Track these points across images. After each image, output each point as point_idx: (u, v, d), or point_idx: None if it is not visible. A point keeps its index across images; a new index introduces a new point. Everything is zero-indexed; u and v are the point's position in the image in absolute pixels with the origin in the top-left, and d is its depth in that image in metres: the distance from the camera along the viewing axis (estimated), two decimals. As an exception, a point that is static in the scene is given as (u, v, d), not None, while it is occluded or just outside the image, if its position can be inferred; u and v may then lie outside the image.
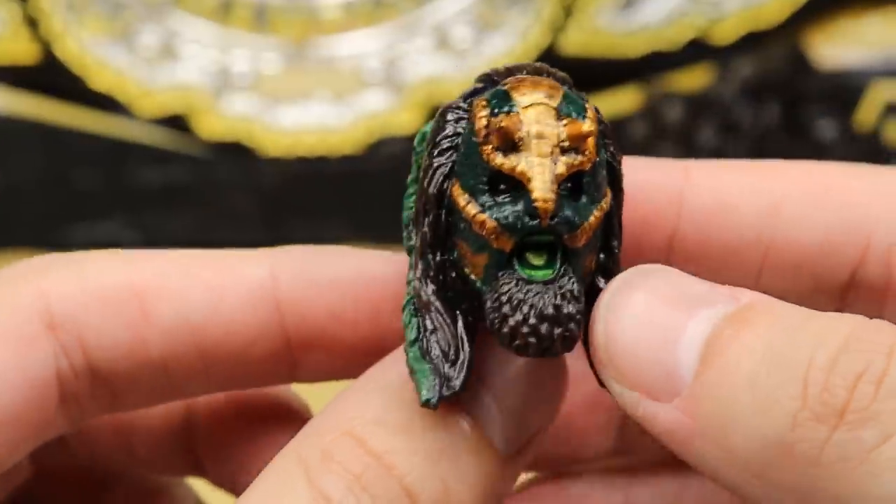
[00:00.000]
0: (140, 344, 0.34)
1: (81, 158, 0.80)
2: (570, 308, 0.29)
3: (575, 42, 0.80)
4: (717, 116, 0.79)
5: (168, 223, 0.80)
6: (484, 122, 0.30)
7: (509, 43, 0.79)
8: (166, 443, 0.40)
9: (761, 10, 0.80)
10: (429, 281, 0.31)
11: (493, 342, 0.31)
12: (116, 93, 0.79)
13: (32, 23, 0.79)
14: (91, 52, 0.79)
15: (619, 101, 0.80)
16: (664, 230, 0.35)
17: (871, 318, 0.28)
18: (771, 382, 0.27)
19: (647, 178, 0.34)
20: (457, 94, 0.32)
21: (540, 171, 0.29)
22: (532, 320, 0.29)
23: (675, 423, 0.28)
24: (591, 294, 0.30)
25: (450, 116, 0.31)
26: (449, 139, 0.31)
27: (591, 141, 0.30)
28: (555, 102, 0.30)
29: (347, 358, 0.36)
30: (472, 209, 0.30)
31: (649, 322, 0.29)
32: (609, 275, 0.31)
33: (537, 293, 0.29)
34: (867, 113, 0.79)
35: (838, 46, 0.81)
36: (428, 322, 0.30)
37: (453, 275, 0.31)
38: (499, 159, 0.29)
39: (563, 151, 0.29)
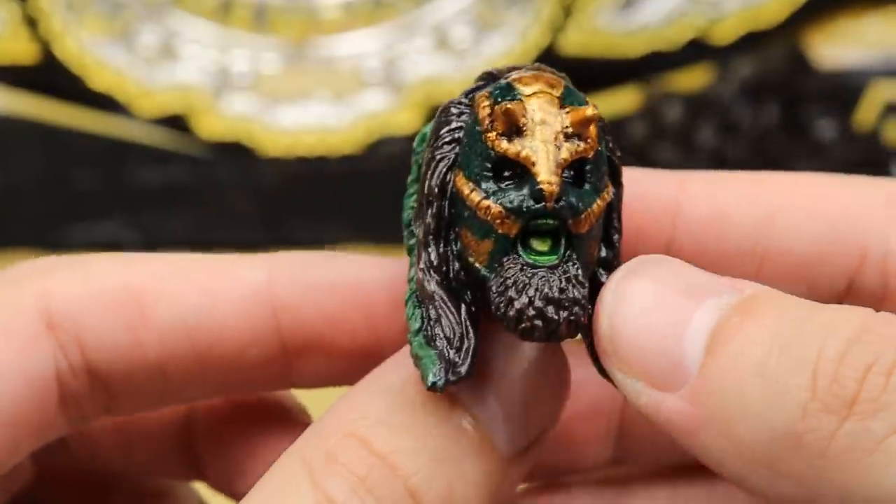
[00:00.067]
0: (137, 346, 0.35)
1: (81, 158, 0.80)
2: (575, 292, 0.29)
3: (574, 42, 0.79)
4: (717, 116, 0.79)
5: (167, 223, 0.80)
6: (487, 110, 0.30)
7: (509, 43, 0.79)
8: (166, 446, 0.40)
9: (761, 10, 0.80)
10: (432, 272, 0.31)
11: (496, 340, 0.31)
12: (116, 93, 0.79)
13: (32, 22, 0.79)
14: (90, 51, 0.79)
15: (619, 101, 0.80)
16: (660, 240, 0.35)
17: None
18: (780, 373, 0.27)
19: (643, 189, 0.35)
20: (457, 93, 0.32)
21: (544, 156, 0.29)
22: (538, 303, 0.29)
23: (679, 413, 0.28)
24: (592, 287, 0.30)
25: (452, 111, 0.31)
26: (451, 132, 0.31)
27: (593, 128, 0.30)
28: (557, 92, 0.30)
29: (344, 363, 0.36)
30: (476, 196, 0.30)
31: (655, 311, 0.29)
32: (610, 268, 0.31)
33: (542, 277, 0.29)
34: (867, 113, 0.79)
35: (838, 46, 0.81)
36: (432, 311, 0.31)
37: (456, 266, 0.31)
38: (503, 144, 0.30)
39: (567, 138, 0.30)
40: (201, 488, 0.42)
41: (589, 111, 0.30)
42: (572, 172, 0.30)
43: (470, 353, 0.30)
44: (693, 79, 0.80)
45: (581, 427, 0.37)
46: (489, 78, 0.32)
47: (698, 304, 0.29)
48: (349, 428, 0.30)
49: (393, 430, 0.30)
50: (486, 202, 0.30)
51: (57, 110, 0.80)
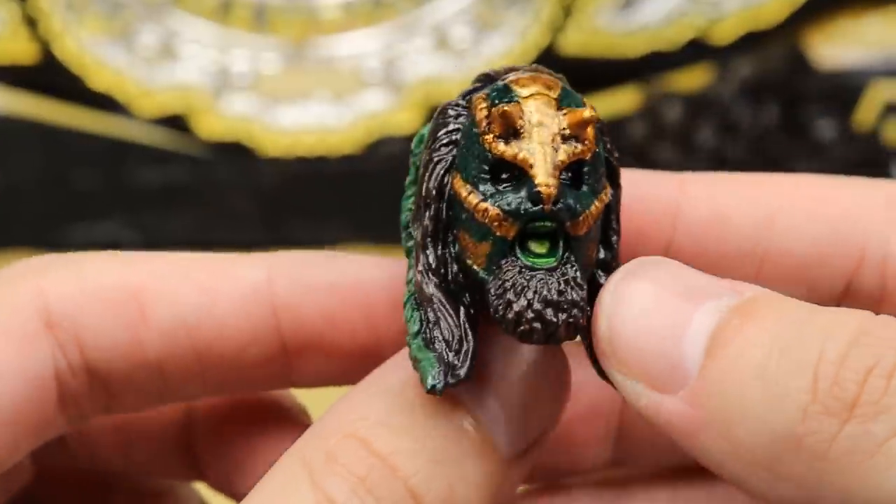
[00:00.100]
0: (137, 345, 0.35)
1: (80, 158, 0.80)
2: (573, 294, 0.29)
3: (574, 42, 0.79)
4: (717, 116, 0.79)
5: (167, 223, 0.80)
6: (485, 112, 0.30)
7: (508, 43, 0.79)
8: (165, 446, 0.40)
9: (761, 9, 0.80)
10: (430, 274, 0.31)
11: (495, 343, 0.31)
12: (116, 92, 0.79)
13: (31, 22, 0.79)
14: (90, 51, 0.79)
15: (619, 101, 0.80)
16: (660, 242, 0.35)
17: None
18: (780, 375, 0.27)
19: (643, 191, 0.35)
20: (456, 94, 0.32)
21: (541, 158, 0.29)
22: (536, 305, 0.29)
23: (679, 415, 0.28)
24: (591, 289, 0.30)
25: (450, 113, 0.31)
26: (448, 134, 0.31)
27: (591, 130, 0.30)
28: (554, 94, 0.30)
29: (344, 363, 0.36)
30: (474, 199, 0.30)
31: (654, 312, 0.29)
32: (609, 270, 0.31)
33: (541, 279, 0.29)
34: (866, 113, 0.79)
35: (837, 46, 0.81)
36: (430, 314, 0.31)
37: (454, 268, 0.31)
38: (500, 147, 0.30)
39: (564, 140, 0.30)
40: (202, 489, 0.42)
41: (586, 113, 0.30)
42: (570, 174, 0.30)
43: (469, 356, 0.30)
44: (693, 79, 0.80)
45: (580, 428, 0.37)
46: (486, 79, 0.32)
47: (698, 307, 0.29)
48: (349, 428, 0.30)
49: (393, 431, 0.30)
50: (483, 204, 0.30)
51: (57, 110, 0.80)
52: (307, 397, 0.39)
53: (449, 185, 0.31)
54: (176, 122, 0.79)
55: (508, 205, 0.29)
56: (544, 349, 0.32)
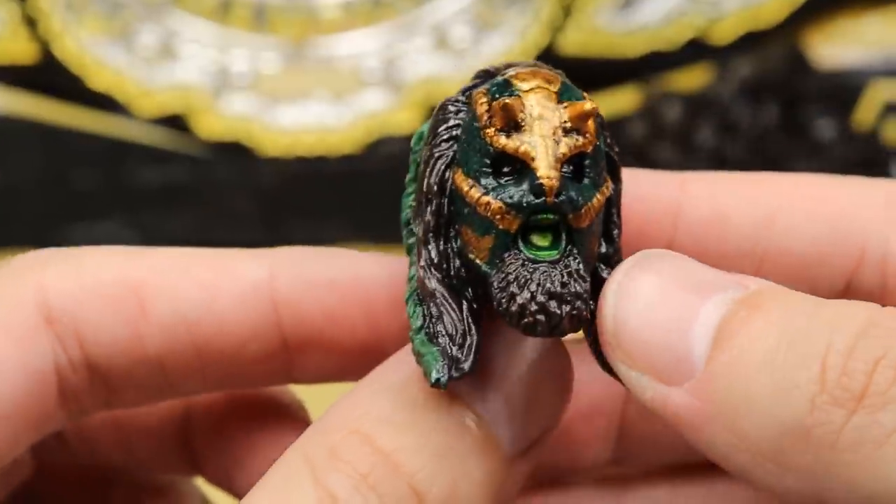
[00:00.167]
0: (137, 340, 0.35)
1: (80, 158, 0.80)
2: (577, 286, 0.29)
3: (574, 42, 0.80)
4: (716, 116, 0.79)
5: (167, 223, 0.80)
6: (485, 106, 0.30)
7: (508, 42, 0.79)
8: (164, 442, 0.40)
9: (760, 9, 0.80)
10: (433, 269, 0.31)
11: (499, 339, 0.31)
12: (115, 92, 0.79)
13: (31, 22, 0.79)
14: (90, 51, 0.79)
15: (618, 101, 0.80)
16: (661, 241, 0.35)
17: None
18: (787, 366, 0.27)
19: (644, 190, 0.35)
20: (455, 93, 0.32)
21: (543, 150, 0.29)
22: (540, 297, 0.29)
23: (685, 407, 0.28)
24: (593, 283, 0.30)
25: (450, 108, 0.31)
26: (449, 130, 0.31)
27: (591, 123, 0.30)
28: (554, 88, 0.30)
29: (344, 359, 0.36)
30: (475, 193, 0.30)
31: (660, 306, 0.29)
32: (611, 263, 0.31)
33: (544, 272, 0.29)
34: (866, 112, 0.79)
35: (837, 46, 0.81)
36: (433, 309, 0.30)
37: (457, 263, 0.31)
38: (501, 140, 0.30)
39: (565, 133, 0.30)
40: (204, 486, 0.42)
41: (587, 105, 0.30)
42: (571, 167, 0.30)
43: (473, 350, 0.30)
44: (692, 79, 0.80)
45: (582, 427, 0.37)
46: (486, 75, 0.32)
47: (704, 299, 0.29)
48: (352, 425, 0.30)
49: (396, 427, 0.30)
50: (485, 198, 0.30)
51: (57, 110, 0.80)
52: (307, 394, 0.39)
53: (450, 181, 0.31)
54: (176, 122, 0.79)
55: (511, 198, 0.29)
56: (547, 346, 0.32)
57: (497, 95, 0.30)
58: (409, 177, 0.33)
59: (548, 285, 0.29)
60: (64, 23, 0.78)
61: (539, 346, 0.32)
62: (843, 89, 0.80)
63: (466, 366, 0.30)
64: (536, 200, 0.29)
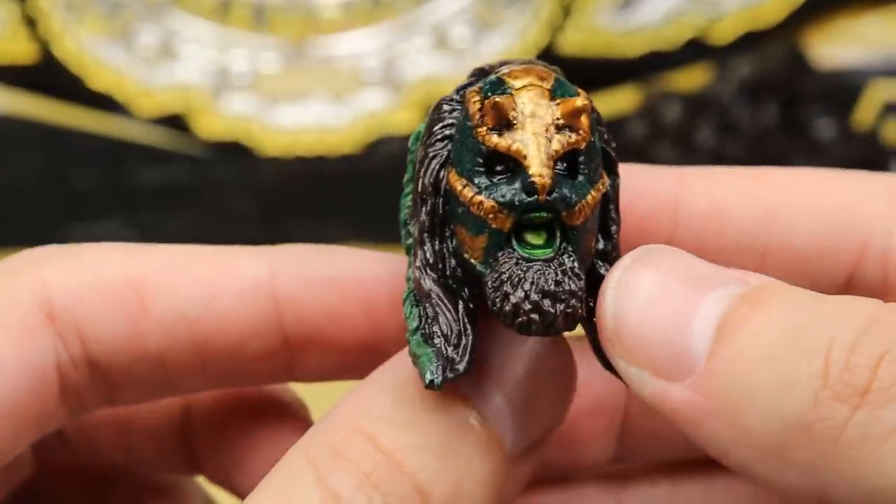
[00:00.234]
0: (137, 337, 0.35)
1: (80, 158, 0.80)
2: (571, 285, 0.29)
3: (573, 41, 0.80)
4: (716, 116, 0.79)
5: (167, 223, 0.80)
6: (477, 105, 0.30)
7: (508, 42, 0.79)
8: (164, 440, 0.40)
9: (760, 9, 0.80)
10: (428, 269, 0.31)
11: (498, 336, 0.31)
12: (115, 92, 0.79)
13: (31, 22, 0.79)
14: (90, 51, 0.79)
15: (618, 101, 0.80)
16: (661, 237, 0.35)
17: None
18: (790, 362, 0.27)
19: (643, 186, 0.35)
20: (453, 91, 0.32)
21: (535, 148, 0.29)
22: (534, 296, 0.29)
23: (686, 403, 0.28)
24: (591, 279, 0.30)
25: (444, 108, 0.31)
26: (443, 129, 0.31)
27: (584, 119, 0.30)
28: (548, 85, 0.30)
29: (345, 358, 0.36)
30: (469, 192, 0.30)
31: (660, 301, 0.29)
32: (609, 260, 0.31)
33: (538, 270, 0.29)
34: (865, 112, 0.79)
35: (837, 46, 0.81)
36: (429, 309, 0.30)
37: (453, 263, 0.31)
38: (493, 139, 0.29)
39: (558, 130, 0.30)
40: (208, 485, 0.42)
41: (579, 101, 0.29)
42: (565, 165, 0.30)
43: (468, 350, 0.30)
44: (692, 78, 0.80)
45: (584, 425, 0.37)
46: (481, 74, 0.32)
47: (704, 295, 0.29)
48: (355, 424, 0.30)
49: (397, 426, 0.30)
50: (478, 197, 0.30)
51: (56, 110, 0.80)
52: (307, 392, 0.39)
53: (445, 180, 0.31)
54: (175, 122, 0.79)
55: (503, 196, 0.29)
56: (549, 344, 0.32)
57: (489, 94, 0.30)
58: (406, 177, 0.33)
59: (542, 284, 0.29)
60: (64, 23, 0.79)
61: (540, 344, 0.32)
62: (843, 89, 0.80)
63: (461, 366, 0.30)
64: (529, 199, 0.29)
